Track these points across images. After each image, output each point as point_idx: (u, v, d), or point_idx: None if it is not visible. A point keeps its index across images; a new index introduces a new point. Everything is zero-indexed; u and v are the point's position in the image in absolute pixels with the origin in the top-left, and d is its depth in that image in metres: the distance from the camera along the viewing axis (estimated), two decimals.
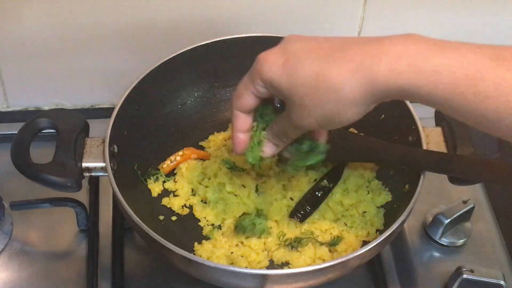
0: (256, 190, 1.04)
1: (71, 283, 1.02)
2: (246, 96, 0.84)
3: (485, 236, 1.08)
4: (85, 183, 1.01)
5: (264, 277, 0.86)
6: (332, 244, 0.99)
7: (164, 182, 1.07)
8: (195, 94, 1.14)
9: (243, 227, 0.98)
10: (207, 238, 1.01)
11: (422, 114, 0.99)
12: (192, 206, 1.05)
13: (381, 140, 1.02)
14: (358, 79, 0.73)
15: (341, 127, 0.82)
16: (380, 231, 0.99)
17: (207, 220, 1.03)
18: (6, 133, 1.20)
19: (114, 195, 0.93)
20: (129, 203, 0.91)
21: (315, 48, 0.77)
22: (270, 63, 0.79)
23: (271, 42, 1.11)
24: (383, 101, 0.76)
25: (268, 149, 0.90)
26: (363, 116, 0.78)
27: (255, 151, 0.90)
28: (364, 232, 1.00)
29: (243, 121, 0.88)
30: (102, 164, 0.95)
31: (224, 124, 1.15)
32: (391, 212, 1.00)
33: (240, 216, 1.01)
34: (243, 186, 1.04)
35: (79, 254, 1.05)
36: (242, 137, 0.89)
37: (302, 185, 1.05)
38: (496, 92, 0.68)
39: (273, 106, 0.89)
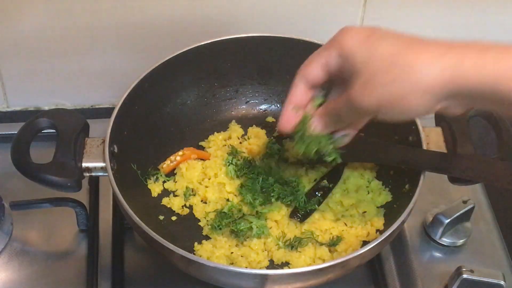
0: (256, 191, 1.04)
1: (71, 283, 1.02)
2: (315, 65, 0.81)
3: (485, 236, 1.08)
4: (85, 183, 1.01)
5: (264, 277, 0.86)
6: (332, 244, 0.99)
7: (164, 182, 1.07)
8: (195, 94, 1.14)
9: (240, 232, 0.99)
10: (207, 238, 1.01)
11: None
12: (192, 206, 1.05)
13: (381, 140, 1.02)
14: (439, 66, 0.70)
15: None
16: (380, 231, 0.99)
17: (207, 220, 1.03)
18: (6, 133, 1.19)
19: (114, 195, 0.93)
20: (129, 203, 0.91)
21: (399, 35, 0.75)
22: (353, 34, 0.77)
23: (271, 42, 1.12)
24: (451, 102, 0.73)
25: (318, 124, 0.84)
26: (425, 114, 0.75)
27: (306, 141, 0.85)
28: (364, 232, 1.00)
29: (300, 93, 0.83)
30: (102, 164, 0.95)
31: (224, 124, 1.15)
32: (391, 212, 1.00)
33: (237, 220, 1.01)
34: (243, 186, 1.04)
35: (79, 254, 1.05)
36: (291, 113, 0.84)
37: (302, 185, 1.05)
38: None
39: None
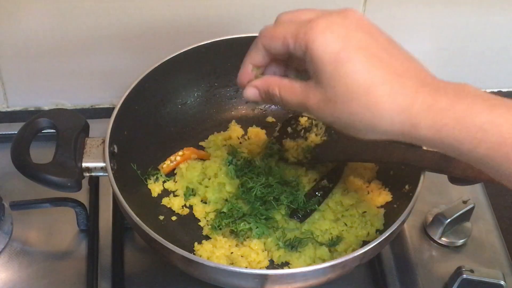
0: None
1: (71, 283, 1.02)
2: (277, 42, 0.77)
3: (485, 236, 1.08)
4: (85, 183, 1.01)
5: (264, 277, 0.86)
6: (332, 244, 0.99)
7: (164, 182, 1.07)
8: (195, 94, 1.14)
9: (240, 232, 0.99)
10: (207, 238, 1.01)
11: None
12: (192, 206, 1.05)
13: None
14: (401, 119, 0.71)
15: None
16: (380, 231, 0.99)
17: (207, 220, 1.03)
18: (6, 133, 1.19)
19: (114, 195, 0.93)
20: (129, 203, 0.91)
21: (376, 55, 0.72)
22: (326, 43, 0.72)
23: None
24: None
25: (252, 95, 0.83)
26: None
27: None
28: (364, 232, 1.00)
29: (259, 56, 0.81)
30: (102, 164, 0.95)
31: (224, 124, 1.15)
32: (391, 212, 1.00)
33: (237, 220, 1.01)
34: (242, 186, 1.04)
35: (79, 254, 1.05)
36: (249, 70, 0.82)
37: (302, 185, 1.05)
38: None
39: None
